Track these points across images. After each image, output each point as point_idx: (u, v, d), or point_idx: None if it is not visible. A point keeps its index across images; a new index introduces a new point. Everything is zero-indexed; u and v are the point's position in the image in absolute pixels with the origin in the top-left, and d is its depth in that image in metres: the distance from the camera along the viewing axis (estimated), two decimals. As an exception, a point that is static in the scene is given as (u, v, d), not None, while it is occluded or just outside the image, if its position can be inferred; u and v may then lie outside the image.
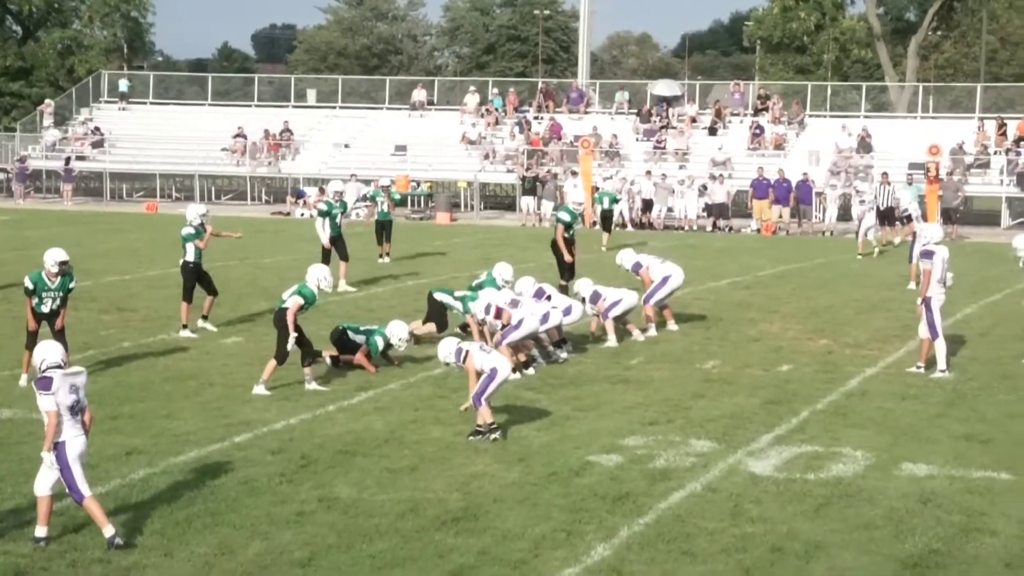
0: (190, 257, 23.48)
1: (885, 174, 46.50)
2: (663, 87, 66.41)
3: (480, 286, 22.14)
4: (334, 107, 67.08)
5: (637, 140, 59.57)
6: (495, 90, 66.06)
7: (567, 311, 21.14)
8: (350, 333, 20.52)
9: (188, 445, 15.35)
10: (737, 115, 60.99)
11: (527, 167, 55.44)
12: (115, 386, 18.62)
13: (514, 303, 20.20)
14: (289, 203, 56.80)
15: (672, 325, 23.90)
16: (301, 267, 20.89)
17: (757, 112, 60.50)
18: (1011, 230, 47.88)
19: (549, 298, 21.39)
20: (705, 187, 50.92)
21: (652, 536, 12.18)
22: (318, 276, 19.04)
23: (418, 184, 56.63)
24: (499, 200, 62.61)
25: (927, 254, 20.26)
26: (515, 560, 11.55)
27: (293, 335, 18.40)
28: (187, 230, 23.50)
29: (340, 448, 15.30)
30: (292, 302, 18.54)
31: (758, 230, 49.22)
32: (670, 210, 51.24)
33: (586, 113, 63.09)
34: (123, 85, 69.80)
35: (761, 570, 11.37)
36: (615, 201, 44.53)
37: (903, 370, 20.20)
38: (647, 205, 50.89)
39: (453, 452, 15.24)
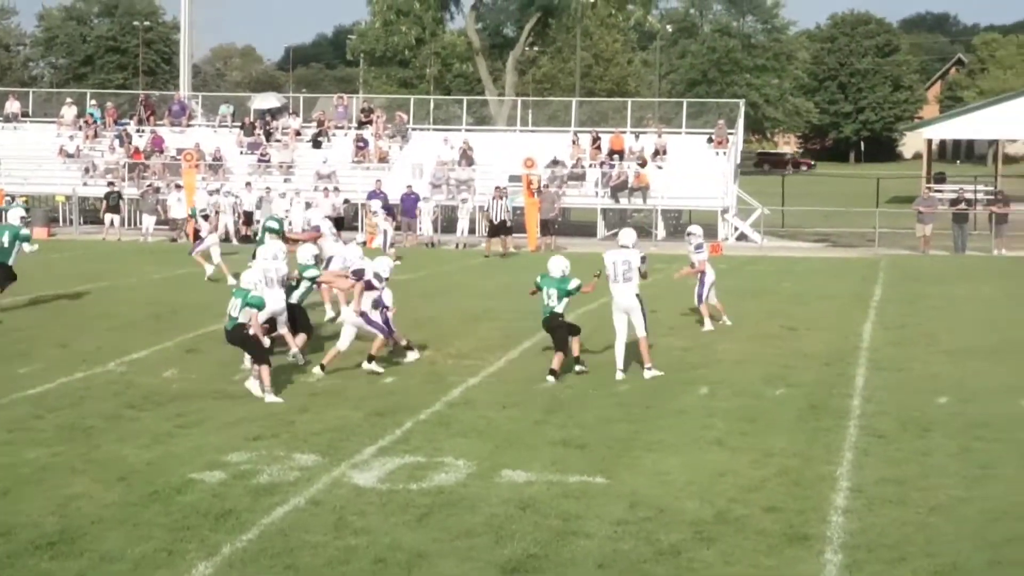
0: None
1: (498, 188, 47.52)
2: (265, 100, 66.20)
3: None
4: (-87, 119, 64.11)
5: (241, 153, 59.15)
6: (93, 102, 64.43)
7: None
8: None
9: None
10: (341, 128, 61.23)
11: (110, 183, 54.46)
12: None
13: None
14: None
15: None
16: None
17: (361, 125, 60.86)
18: (606, 241, 49.60)
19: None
20: (309, 204, 50.99)
21: (255, 552, 12.08)
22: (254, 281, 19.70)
23: (12, 199, 54.70)
24: (99, 215, 61.07)
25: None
26: (114, 583, 11.29)
27: (265, 340, 19.20)
28: None
29: (-74, 475, 14.63)
30: (248, 315, 19.00)
31: (364, 242, 49.49)
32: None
33: (189, 126, 62.24)
34: None
35: (365, 581, 11.43)
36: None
37: (519, 377, 20.63)
38: (248, 217, 50.40)
39: (50, 473, 14.75)
